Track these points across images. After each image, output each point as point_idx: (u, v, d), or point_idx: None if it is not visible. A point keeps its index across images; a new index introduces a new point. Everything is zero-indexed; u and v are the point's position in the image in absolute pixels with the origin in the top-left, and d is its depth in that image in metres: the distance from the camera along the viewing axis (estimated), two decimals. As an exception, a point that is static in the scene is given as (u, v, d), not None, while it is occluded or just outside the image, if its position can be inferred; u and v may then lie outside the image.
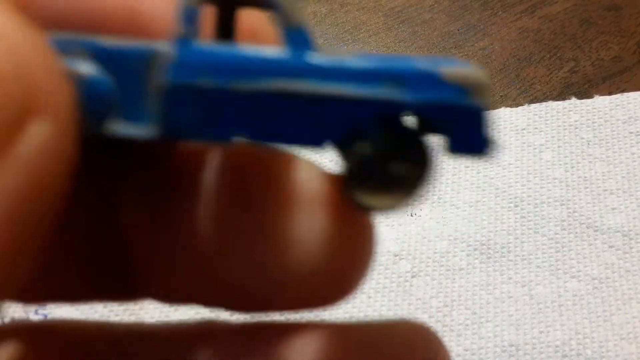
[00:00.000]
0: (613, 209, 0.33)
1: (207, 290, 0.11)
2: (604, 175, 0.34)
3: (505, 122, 0.37)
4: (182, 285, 0.11)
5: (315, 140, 0.09)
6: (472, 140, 0.09)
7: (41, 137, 0.07)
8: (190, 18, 0.09)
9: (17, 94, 0.06)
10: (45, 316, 0.29)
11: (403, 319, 0.12)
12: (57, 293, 0.12)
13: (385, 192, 0.09)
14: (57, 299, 0.12)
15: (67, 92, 0.07)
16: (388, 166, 0.09)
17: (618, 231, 0.32)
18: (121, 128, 0.08)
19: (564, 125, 0.36)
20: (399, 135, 0.09)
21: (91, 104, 0.08)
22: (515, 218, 0.33)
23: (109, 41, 0.08)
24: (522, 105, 0.38)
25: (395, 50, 0.43)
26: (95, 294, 0.12)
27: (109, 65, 0.08)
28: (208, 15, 0.10)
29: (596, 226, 0.33)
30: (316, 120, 0.09)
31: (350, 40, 0.44)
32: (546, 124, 0.37)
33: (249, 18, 0.10)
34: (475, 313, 0.30)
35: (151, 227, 0.11)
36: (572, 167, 0.35)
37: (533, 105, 0.37)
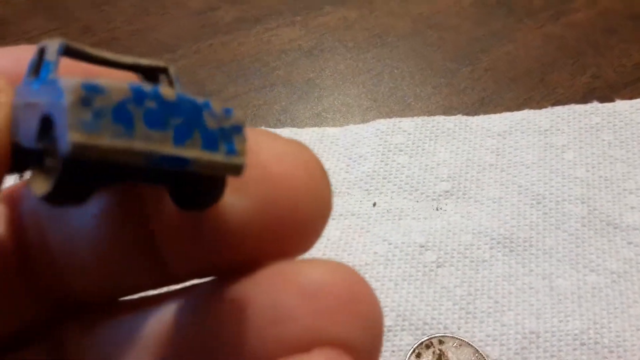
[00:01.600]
0: (632, 207, 0.34)
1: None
2: (623, 176, 0.36)
3: (529, 122, 0.38)
4: (199, 260, 0.12)
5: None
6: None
7: None
8: (30, 68, 0.12)
9: None
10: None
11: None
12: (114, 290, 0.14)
13: (38, 180, 0.10)
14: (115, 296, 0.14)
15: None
16: (43, 160, 0.10)
17: (636, 229, 0.34)
18: None
19: (586, 127, 0.38)
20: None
21: None
22: (538, 214, 0.35)
23: None
24: (545, 107, 0.39)
25: (422, 53, 0.45)
26: (140, 284, 0.14)
27: None
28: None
29: (615, 223, 0.34)
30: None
31: (379, 44, 0.46)
32: (568, 125, 0.38)
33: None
34: (497, 302, 0.32)
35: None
36: (593, 167, 0.36)
37: (556, 108, 0.39)
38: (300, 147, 0.11)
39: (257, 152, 0.11)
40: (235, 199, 0.11)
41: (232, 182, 0.11)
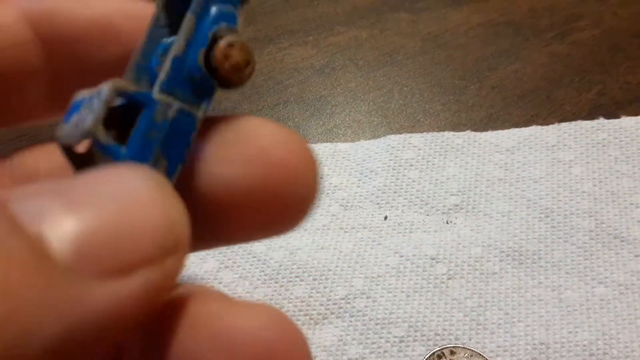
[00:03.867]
0: (639, 221, 0.35)
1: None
2: (630, 190, 0.36)
3: (537, 138, 0.39)
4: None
5: None
6: None
7: (171, 268, 0.10)
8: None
9: (169, 241, 0.10)
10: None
11: None
12: None
13: None
14: None
15: (188, 242, 0.10)
16: None
17: (644, 242, 0.34)
18: None
19: (593, 143, 0.39)
20: None
21: None
22: (546, 228, 0.35)
23: None
24: (552, 124, 0.40)
25: (431, 71, 0.46)
26: None
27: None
28: None
29: (623, 237, 0.35)
30: None
31: (389, 62, 0.47)
32: (575, 141, 0.39)
33: None
34: (507, 313, 0.32)
35: None
36: (600, 182, 0.37)
37: (563, 124, 0.40)
38: (295, 135, 0.13)
39: (259, 138, 0.12)
40: (235, 172, 0.12)
41: (233, 159, 0.12)
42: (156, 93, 0.12)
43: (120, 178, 0.10)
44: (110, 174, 0.10)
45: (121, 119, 0.12)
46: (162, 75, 0.12)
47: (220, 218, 0.12)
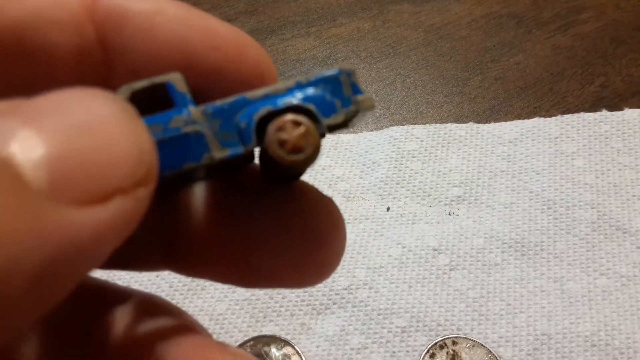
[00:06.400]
0: (641, 213, 0.35)
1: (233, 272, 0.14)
2: (632, 182, 0.37)
3: (540, 130, 0.39)
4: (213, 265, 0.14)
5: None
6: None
7: (142, 198, 0.10)
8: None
9: (141, 171, 0.10)
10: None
11: None
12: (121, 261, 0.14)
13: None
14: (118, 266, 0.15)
15: (156, 174, 0.10)
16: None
17: (646, 233, 0.34)
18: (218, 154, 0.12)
19: (595, 135, 0.39)
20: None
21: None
22: (549, 219, 0.35)
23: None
24: (555, 116, 0.40)
25: (434, 63, 0.46)
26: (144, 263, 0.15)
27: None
28: None
29: (625, 228, 0.35)
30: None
31: (392, 54, 0.47)
32: (578, 133, 0.39)
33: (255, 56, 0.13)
34: (509, 304, 0.33)
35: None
36: (603, 174, 0.37)
37: (566, 116, 0.40)
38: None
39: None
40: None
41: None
42: (198, 108, 0.12)
43: (85, 100, 0.10)
44: (74, 95, 0.10)
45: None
46: (219, 101, 0.12)
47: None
